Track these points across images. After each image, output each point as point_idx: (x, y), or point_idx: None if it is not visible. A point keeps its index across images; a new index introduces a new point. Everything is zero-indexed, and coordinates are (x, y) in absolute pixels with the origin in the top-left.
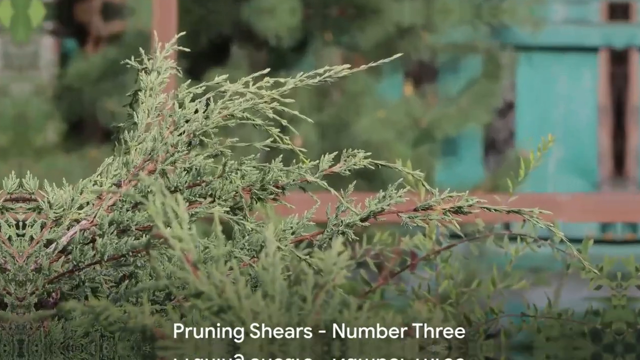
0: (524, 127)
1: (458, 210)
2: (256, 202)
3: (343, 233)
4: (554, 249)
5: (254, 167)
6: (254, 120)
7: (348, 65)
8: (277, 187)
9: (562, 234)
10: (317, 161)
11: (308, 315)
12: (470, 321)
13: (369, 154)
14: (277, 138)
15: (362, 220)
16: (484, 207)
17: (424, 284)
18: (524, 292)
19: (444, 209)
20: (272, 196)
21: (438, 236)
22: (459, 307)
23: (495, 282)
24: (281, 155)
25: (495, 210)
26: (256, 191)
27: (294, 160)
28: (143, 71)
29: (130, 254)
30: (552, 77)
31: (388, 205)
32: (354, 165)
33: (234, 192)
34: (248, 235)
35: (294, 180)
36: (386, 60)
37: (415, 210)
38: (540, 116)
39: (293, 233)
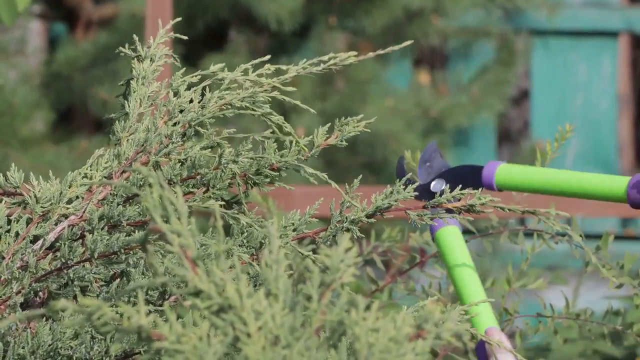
0: (539, 116)
1: (470, 209)
2: (251, 187)
3: (347, 230)
4: (572, 245)
5: (251, 158)
6: (253, 109)
7: (354, 53)
8: (273, 170)
9: (580, 231)
10: (311, 137)
11: (313, 315)
12: None
13: (361, 116)
14: (276, 129)
15: (368, 216)
16: (497, 207)
17: (435, 283)
18: (541, 292)
19: (455, 208)
20: (268, 180)
21: None
22: None
23: (510, 280)
24: (274, 142)
25: (510, 210)
26: (251, 176)
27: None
28: (136, 59)
29: (123, 251)
30: (569, 64)
31: (395, 201)
32: (350, 133)
33: (229, 179)
34: (246, 231)
35: (288, 162)
36: (395, 47)
37: (425, 207)
38: (557, 105)
39: (295, 230)
